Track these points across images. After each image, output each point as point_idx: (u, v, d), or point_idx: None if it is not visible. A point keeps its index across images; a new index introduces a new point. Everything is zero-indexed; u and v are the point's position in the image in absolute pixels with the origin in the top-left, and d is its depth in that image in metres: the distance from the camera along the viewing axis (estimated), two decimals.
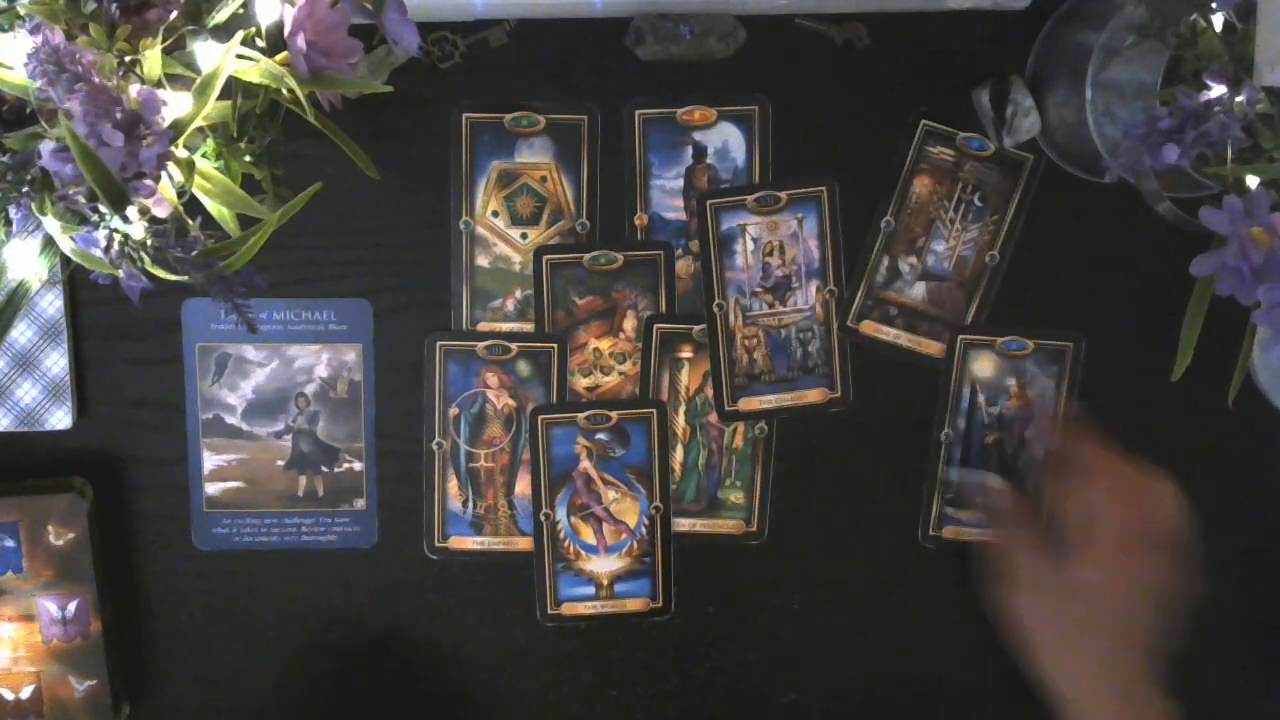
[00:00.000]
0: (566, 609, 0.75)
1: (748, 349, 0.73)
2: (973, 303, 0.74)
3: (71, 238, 0.51)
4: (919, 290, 0.73)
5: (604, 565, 0.75)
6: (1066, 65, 0.68)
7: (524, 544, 0.74)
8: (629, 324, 0.73)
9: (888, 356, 0.74)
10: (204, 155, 0.57)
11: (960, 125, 0.72)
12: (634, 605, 0.75)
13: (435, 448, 0.73)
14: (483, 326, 0.73)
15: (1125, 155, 0.56)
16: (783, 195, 0.72)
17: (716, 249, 0.73)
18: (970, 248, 0.73)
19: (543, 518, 0.74)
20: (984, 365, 0.74)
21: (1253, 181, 0.56)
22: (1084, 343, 0.74)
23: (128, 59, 0.51)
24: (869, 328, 0.73)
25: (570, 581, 0.74)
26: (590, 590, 0.75)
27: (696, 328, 0.73)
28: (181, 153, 0.52)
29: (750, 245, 0.73)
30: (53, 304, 0.70)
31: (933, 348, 0.74)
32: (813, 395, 0.74)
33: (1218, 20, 0.57)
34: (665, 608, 0.75)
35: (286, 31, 0.52)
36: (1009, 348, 0.73)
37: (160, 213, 0.52)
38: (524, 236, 0.73)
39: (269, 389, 0.72)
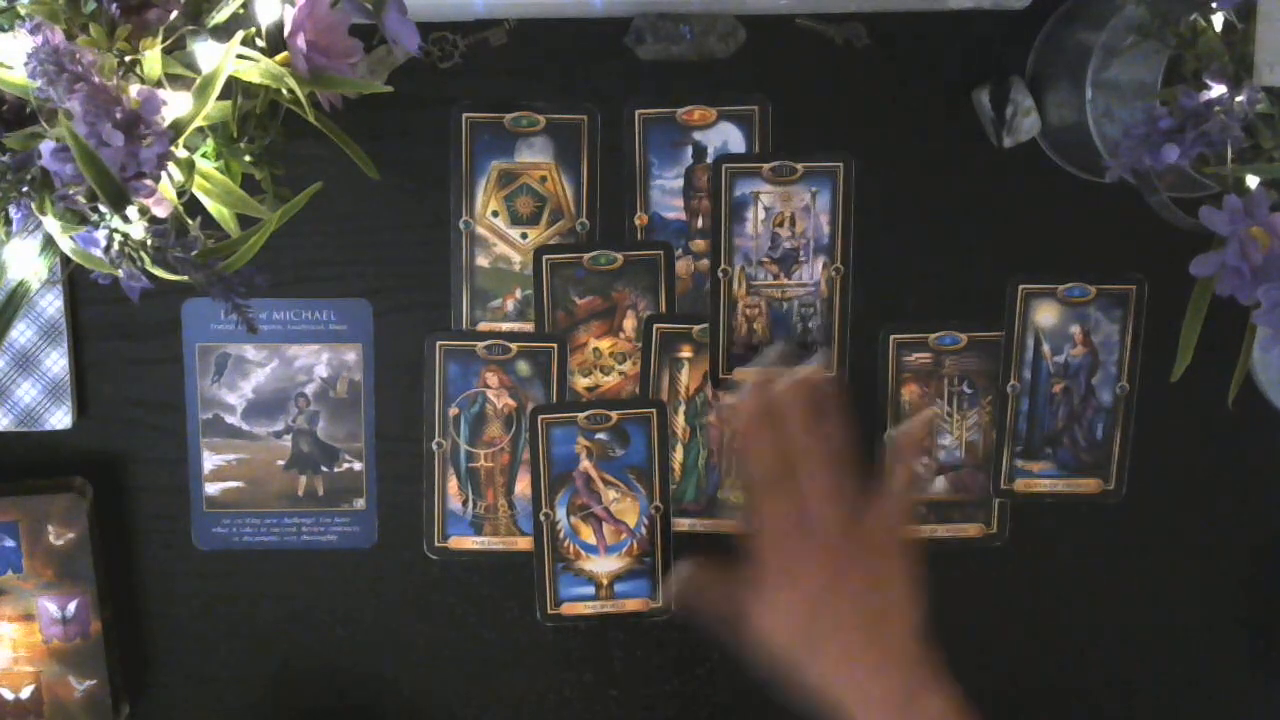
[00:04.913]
0: (566, 609, 0.75)
1: (748, 318, 0.73)
2: (1002, 460, 0.75)
3: (71, 237, 0.51)
4: (940, 484, 0.75)
5: (604, 565, 0.74)
6: (1066, 65, 0.68)
7: (524, 544, 0.74)
8: (629, 324, 0.73)
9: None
10: (204, 155, 0.57)
11: (959, 125, 0.72)
12: (634, 605, 0.75)
13: (435, 447, 0.73)
14: (483, 326, 0.73)
15: (1125, 155, 0.56)
16: (799, 166, 0.72)
17: (727, 213, 0.72)
18: (975, 431, 0.74)
19: (543, 518, 0.74)
20: (1046, 314, 0.74)
21: (1253, 181, 0.56)
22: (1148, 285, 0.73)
23: (128, 59, 0.51)
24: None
25: (570, 581, 0.74)
26: (590, 590, 0.75)
27: (696, 328, 0.73)
28: (181, 153, 0.52)
29: (762, 214, 0.72)
30: (53, 304, 0.70)
31: (971, 530, 0.75)
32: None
33: (1218, 20, 0.57)
34: (665, 608, 0.75)
35: (286, 31, 0.52)
36: (1070, 294, 0.73)
37: (160, 213, 0.52)
38: (524, 236, 0.73)
39: (269, 389, 0.72)
